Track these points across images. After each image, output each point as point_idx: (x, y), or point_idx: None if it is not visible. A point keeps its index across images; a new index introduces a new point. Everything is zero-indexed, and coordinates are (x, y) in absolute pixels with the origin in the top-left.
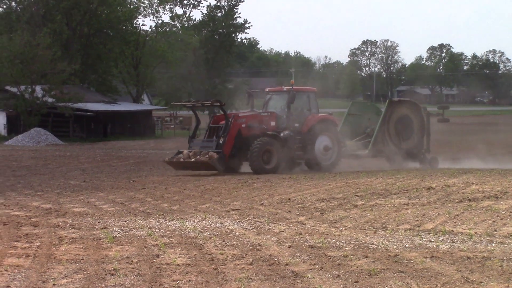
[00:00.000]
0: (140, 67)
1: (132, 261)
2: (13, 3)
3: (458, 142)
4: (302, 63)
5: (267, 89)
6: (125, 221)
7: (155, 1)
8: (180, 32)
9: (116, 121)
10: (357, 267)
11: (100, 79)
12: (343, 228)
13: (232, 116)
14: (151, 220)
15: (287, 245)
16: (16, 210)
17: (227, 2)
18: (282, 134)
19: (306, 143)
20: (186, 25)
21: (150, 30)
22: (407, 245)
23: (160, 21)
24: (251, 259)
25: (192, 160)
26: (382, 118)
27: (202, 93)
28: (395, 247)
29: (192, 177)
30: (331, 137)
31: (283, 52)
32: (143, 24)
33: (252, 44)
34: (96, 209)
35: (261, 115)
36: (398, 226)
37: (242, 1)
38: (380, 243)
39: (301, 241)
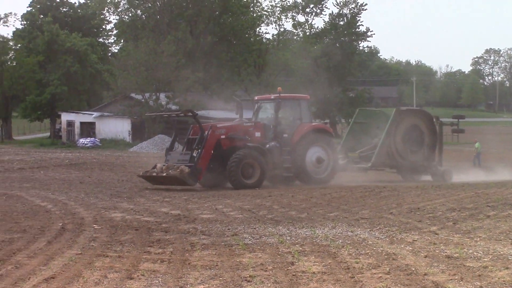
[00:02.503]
0: (262, 75)
1: (267, 268)
2: (139, 11)
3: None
4: (423, 72)
5: (255, 98)
6: (254, 228)
7: (278, 9)
8: (301, 40)
9: None
10: (499, 279)
11: (222, 87)
12: (478, 239)
13: (209, 127)
14: (281, 227)
15: (422, 254)
16: (146, 216)
17: (350, 10)
18: (267, 145)
19: (295, 154)
20: (308, 33)
21: (272, 38)
22: None
23: (282, 29)
24: (387, 268)
25: (164, 174)
26: (387, 129)
27: (323, 101)
28: None
29: (317, 185)
30: (325, 148)
31: (404, 61)
32: (266, 33)
33: (373, 53)
34: (224, 215)
35: (244, 125)
36: None
37: (365, 9)
38: None
39: (437, 251)
